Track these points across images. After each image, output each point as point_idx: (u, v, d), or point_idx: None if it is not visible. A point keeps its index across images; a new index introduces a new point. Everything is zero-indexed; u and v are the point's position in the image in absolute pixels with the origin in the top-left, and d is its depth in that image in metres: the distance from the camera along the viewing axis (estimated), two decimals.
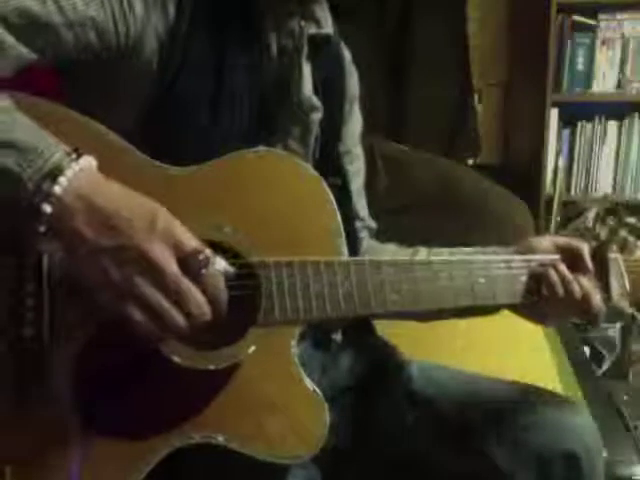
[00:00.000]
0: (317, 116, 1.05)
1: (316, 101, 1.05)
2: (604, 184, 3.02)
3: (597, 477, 1.05)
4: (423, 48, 2.90)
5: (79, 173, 0.76)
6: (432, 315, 1.14)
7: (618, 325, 2.40)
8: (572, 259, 1.06)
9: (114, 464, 0.85)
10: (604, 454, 1.08)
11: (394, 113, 2.95)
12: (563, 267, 1.04)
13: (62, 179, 0.75)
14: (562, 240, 1.09)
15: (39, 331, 0.82)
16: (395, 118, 2.95)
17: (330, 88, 1.09)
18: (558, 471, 1.02)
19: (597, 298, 1.04)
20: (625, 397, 1.86)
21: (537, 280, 1.04)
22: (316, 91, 1.05)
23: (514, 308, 1.09)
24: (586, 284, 1.04)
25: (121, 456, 0.85)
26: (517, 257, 1.05)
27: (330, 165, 1.02)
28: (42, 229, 0.75)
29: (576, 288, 1.03)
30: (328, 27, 1.06)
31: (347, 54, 1.17)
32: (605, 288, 1.07)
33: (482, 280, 1.00)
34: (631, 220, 1.11)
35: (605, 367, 2.37)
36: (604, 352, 2.37)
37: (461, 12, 2.97)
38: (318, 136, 1.06)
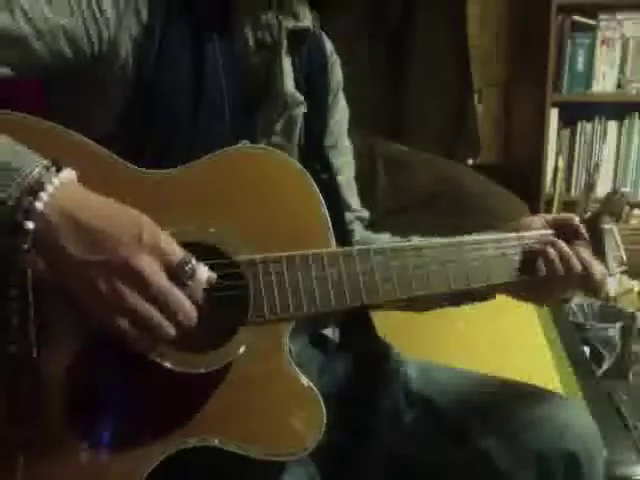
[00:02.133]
0: (300, 110, 1.05)
1: (299, 95, 1.04)
2: (604, 184, 3.02)
3: (597, 477, 1.04)
4: (423, 48, 2.90)
5: (60, 187, 0.75)
6: (428, 304, 1.13)
7: (618, 325, 2.40)
8: (565, 232, 1.04)
9: (110, 472, 0.84)
10: (604, 454, 1.08)
11: (394, 113, 2.95)
12: (560, 243, 1.02)
13: (43, 194, 0.73)
14: (552, 216, 1.08)
15: (27, 345, 0.80)
16: (395, 118, 2.95)
17: (313, 82, 1.08)
18: (558, 471, 1.02)
19: (598, 267, 1.03)
20: (625, 397, 1.86)
21: (534, 259, 1.02)
22: (298, 85, 1.05)
23: (512, 291, 1.08)
24: (585, 256, 1.02)
25: (117, 463, 0.84)
26: (509, 235, 1.03)
27: (316, 159, 1.02)
28: (25, 247, 0.74)
29: (575, 262, 1.01)
30: (307, 20, 1.05)
31: (329, 45, 1.16)
32: (601, 260, 1.05)
33: (475, 263, 0.99)
34: (625, 189, 1.10)
35: (605, 367, 2.37)
36: (604, 352, 2.37)
37: (461, 12, 2.97)
38: (302, 130, 1.06)
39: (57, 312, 0.81)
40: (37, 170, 0.74)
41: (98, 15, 0.87)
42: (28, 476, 0.82)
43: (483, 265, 0.99)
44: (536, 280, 1.03)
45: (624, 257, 1.08)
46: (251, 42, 0.99)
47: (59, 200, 0.74)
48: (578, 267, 1.01)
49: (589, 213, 1.08)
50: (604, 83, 2.95)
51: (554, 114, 2.94)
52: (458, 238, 1.01)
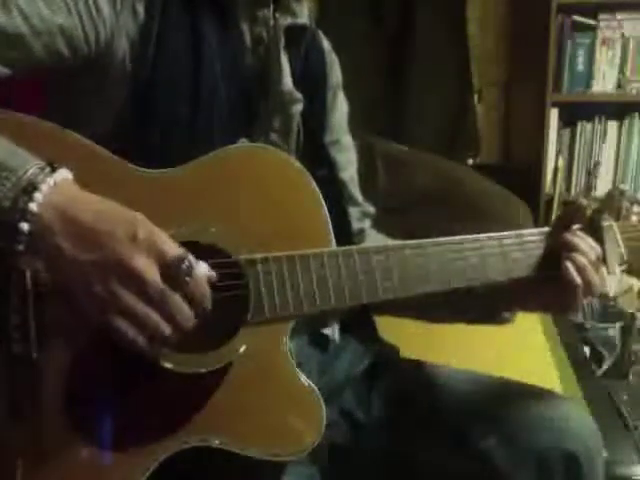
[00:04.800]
0: (298, 108, 1.04)
1: (296, 93, 1.04)
2: (604, 184, 3.02)
3: (597, 477, 1.04)
4: (423, 48, 2.90)
5: (55, 187, 0.75)
6: (442, 316, 1.14)
7: (618, 325, 2.40)
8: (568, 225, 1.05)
9: (111, 472, 0.84)
10: (604, 454, 1.08)
11: (394, 113, 2.95)
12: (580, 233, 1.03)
13: (37, 195, 0.73)
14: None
15: (27, 346, 0.80)
16: (395, 118, 2.95)
17: (311, 79, 1.08)
18: (558, 471, 1.02)
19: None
20: (625, 397, 1.86)
21: (538, 260, 1.03)
22: (296, 83, 1.05)
23: (522, 304, 1.09)
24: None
25: (118, 464, 0.84)
26: (508, 233, 1.03)
27: (316, 156, 1.02)
28: (21, 247, 0.74)
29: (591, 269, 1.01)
30: (304, 17, 1.06)
31: (326, 44, 1.16)
32: (601, 257, 1.05)
33: (473, 260, 0.99)
34: (624, 187, 1.10)
35: (605, 367, 2.37)
36: (604, 352, 2.37)
37: (461, 12, 2.97)
38: (300, 128, 1.06)
39: (56, 312, 0.81)
40: (32, 171, 0.74)
41: (95, 14, 0.87)
42: (28, 476, 0.81)
43: (482, 263, 0.99)
44: (537, 281, 1.04)
45: (624, 254, 1.07)
46: (248, 39, 1.00)
47: (54, 200, 0.74)
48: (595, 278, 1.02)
49: (590, 210, 1.08)
50: (604, 83, 2.95)
51: (554, 114, 2.93)
52: (457, 236, 1.01)
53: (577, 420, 1.06)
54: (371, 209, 1.23)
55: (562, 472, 1.02)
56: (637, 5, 2.89)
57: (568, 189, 3.04)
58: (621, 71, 2.94)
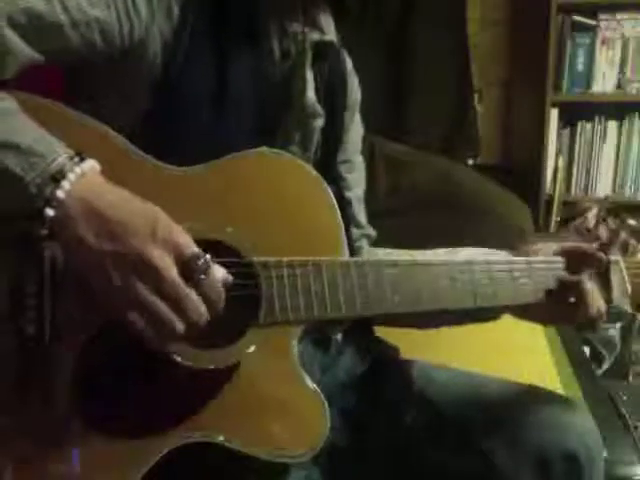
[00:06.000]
0: (319, 123, 1.06)
1: (319, 107, 1.05)
2: (604, 184, 3.02)
3: (597, 477, 1.05)
4: (423, 48, 2.90)
5: (81, 177, 0.76)
6: (432, 323, 1.14)
7: (618, 325, 2.41)
8: (575, 260, 1.06)
9: (113, 463, 0.85)
10: (604, 454, 1.08)
11: (394, 113, 2.95)
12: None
13: (65, 183, 0.75)
14: (561, 245, 1.10)
15: (40, 330, 0.82)
16: (395, 118, 2.95)
17: (332, 95, 1.09)
18: (558, 471, 1.02)
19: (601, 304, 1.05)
20: (625, 397, 1.87)
21: (545, 288, 1.04)
22: (318, 98, 1.06)
23: (516, 314, 1.10)
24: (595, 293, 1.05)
25: (120, 455, 0.85)
26: (518, 259, 1.05)
27: (327, 173, 1.03)
28: (44, 232, 0.76)
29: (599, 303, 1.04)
30: (331, 34, 1.07)
31: (349, 61, 1.17)
32: (606, 290, 1.07)
33: (484, 282, 1.00)
34: (632, 222, 1.11)
35: (605, 367, 2.37)
36: (604, 352, 2.38)
37: (461, 12, 2.97)
38: (319, 143, 1.07)
39: (71, 298, 0.82)
40: (61, 159, 0.76)
41: (132, 11, 0.88)
42: (30, 458, 0.83)
43: (491, 285, 1.01)
44: (540, 305, 1.05)
45: (629, 290, 1.09)
46: (276, 52, 1.01)
47: (80, 190, 0.76)
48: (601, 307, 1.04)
49: (596, 244, 1.10)
50: (604, 83, 2.95)
51: (554, 114, 2.94)
52: (468, 257, 1.04)
53: (578, 420, 1.06)
54: (373, 232, 1.24)
55: (563, 472, 1.02)
56: (637, 5, 2.90)
57: (568, 189, 3.04)
58: (621, 71, 2.94)
